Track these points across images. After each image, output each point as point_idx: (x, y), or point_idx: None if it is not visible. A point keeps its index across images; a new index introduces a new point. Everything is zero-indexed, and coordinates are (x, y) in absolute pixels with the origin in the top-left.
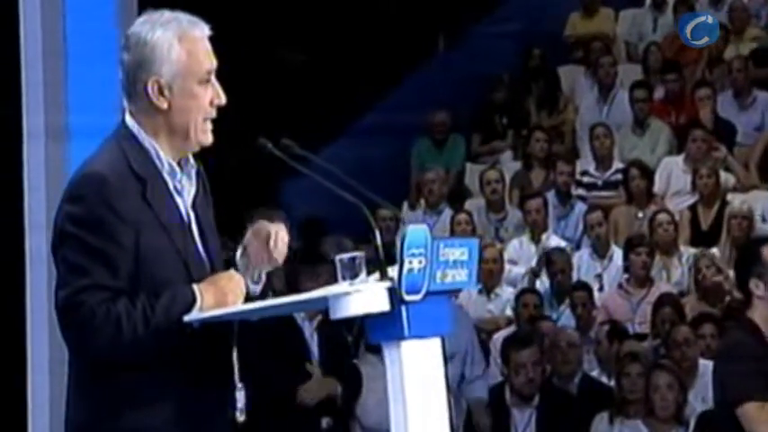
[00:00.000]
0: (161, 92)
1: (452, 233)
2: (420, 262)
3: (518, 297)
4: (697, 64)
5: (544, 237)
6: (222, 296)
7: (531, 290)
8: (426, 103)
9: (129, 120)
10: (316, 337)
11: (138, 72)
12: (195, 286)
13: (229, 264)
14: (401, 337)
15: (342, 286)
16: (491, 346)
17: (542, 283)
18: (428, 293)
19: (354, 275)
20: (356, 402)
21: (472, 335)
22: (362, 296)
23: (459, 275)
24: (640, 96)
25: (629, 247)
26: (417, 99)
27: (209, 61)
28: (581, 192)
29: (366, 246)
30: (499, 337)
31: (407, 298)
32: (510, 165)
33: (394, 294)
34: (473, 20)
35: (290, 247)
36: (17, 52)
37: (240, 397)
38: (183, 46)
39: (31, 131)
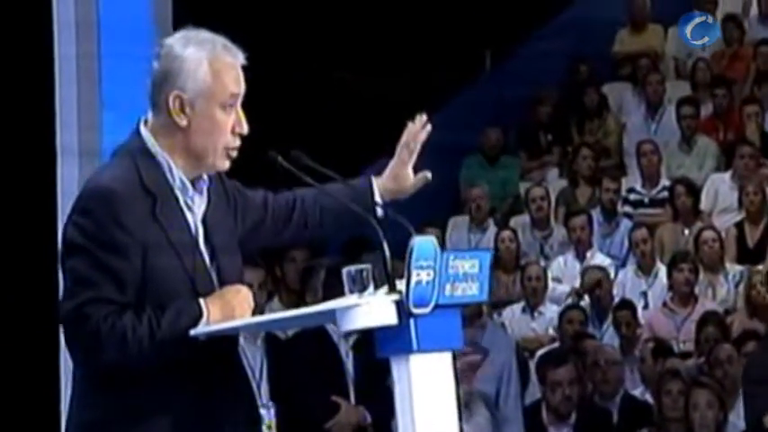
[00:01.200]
0: (182, 108)
1: (497, 250)
2: (428, 274)
3: (563, 314)
4: (745, 80)
5: (589, 254)
6: (230, 310)
7: (577, 306)
8: (473, 121)
9: (144, 131)
10: (351, 355)
11: (164, 83)
12: (202, 300)
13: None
14: (409, 351)
15: (349, 299)
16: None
17: (586, 301)
18: (437, 306)
19: (362, 288)
20: (392, 422)
21: (511, 355)
22: (370, 309)
23: (469, 288)
24: (687, 113)
25: (672, 265)
26: (464, 117)
27: (236, 87)
28: (627, 209)
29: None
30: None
31: (415, 311)
32: (556, 182)
33: (402, 307)
34: (520, 37)
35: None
36: (51, 72)
37: (270, 414)
38: (211, 67)
39: (65, 150)
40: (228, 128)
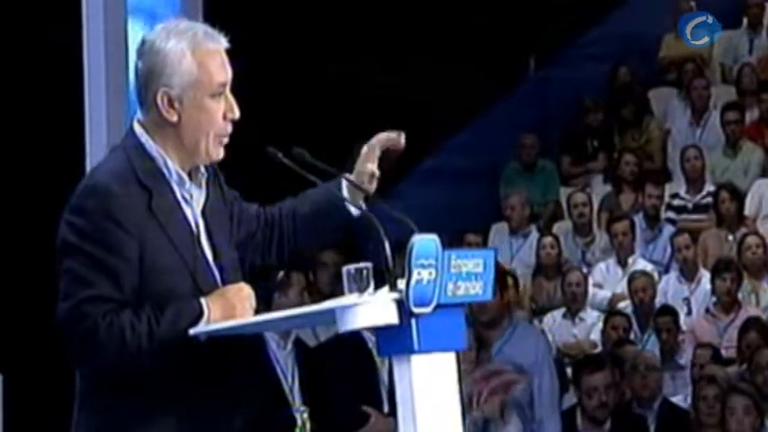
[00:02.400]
0: (171, 104)
1: (538, 256)
2: (430, 273)
3: (607, 319)
4: None
5: (630, 260)
6: (230, 309)
7: (620, 312)
8: (517, 126)
9: (137, 128)
10: (387, 363)
11: (149, 81)
12: (203, 299)
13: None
14: (411, 351)
15: (349, 298)
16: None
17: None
18: (439, 306)
19: (363, 287)
20: None
21: (546, 356)
22: (370, 308)
23: (473, 288)
24: (732, 118)
25: (715, 271)
26: (508, 123)
27: (223, 74)
28: (671, 214)
29: None
30: None
31: (416, 310)
32: (600, 188)
33: (402, 307)
34: (564, 44)
35: None
36: (81, 95)
37: (304, 419)
38: (195, 58)
39: None
40: (220, 116)
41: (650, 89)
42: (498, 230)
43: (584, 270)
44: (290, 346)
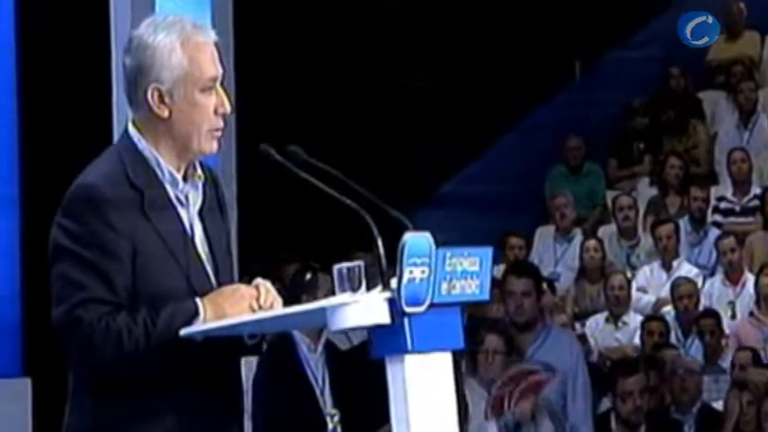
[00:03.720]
0: (161, 99)
1: (581, 260)
2: (423, 272)
3: (644, 324)
4: None
5: (675, 264)
6: (226, 309)
7: (657, 317)
8: (563, 129)
9: (131, 128)
10: None
11: (139, 77)
12: (198, 299)
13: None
14: (404, 351)
15: (340, 297)
16: None
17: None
18: (433, 305)
19: (355, 286)
20: None
21: (580, 361)
22: (361, 307)
23: (468, 286)
24: None
25: (759, 274)
26: (553, 127)
27: (214, 68)
28: (717, 217)
29: None
30: None
31: (408, 310)
32: (647, 191)
33: (394, 306)
34: (610, 47)
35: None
36: (109, 97)
37: (333, 421)
38: (184, 51)
39: None
40: (211, 110)
41: (698, 92)
42: (543, 234)
43: (629, 274)
44: (320, 348)
